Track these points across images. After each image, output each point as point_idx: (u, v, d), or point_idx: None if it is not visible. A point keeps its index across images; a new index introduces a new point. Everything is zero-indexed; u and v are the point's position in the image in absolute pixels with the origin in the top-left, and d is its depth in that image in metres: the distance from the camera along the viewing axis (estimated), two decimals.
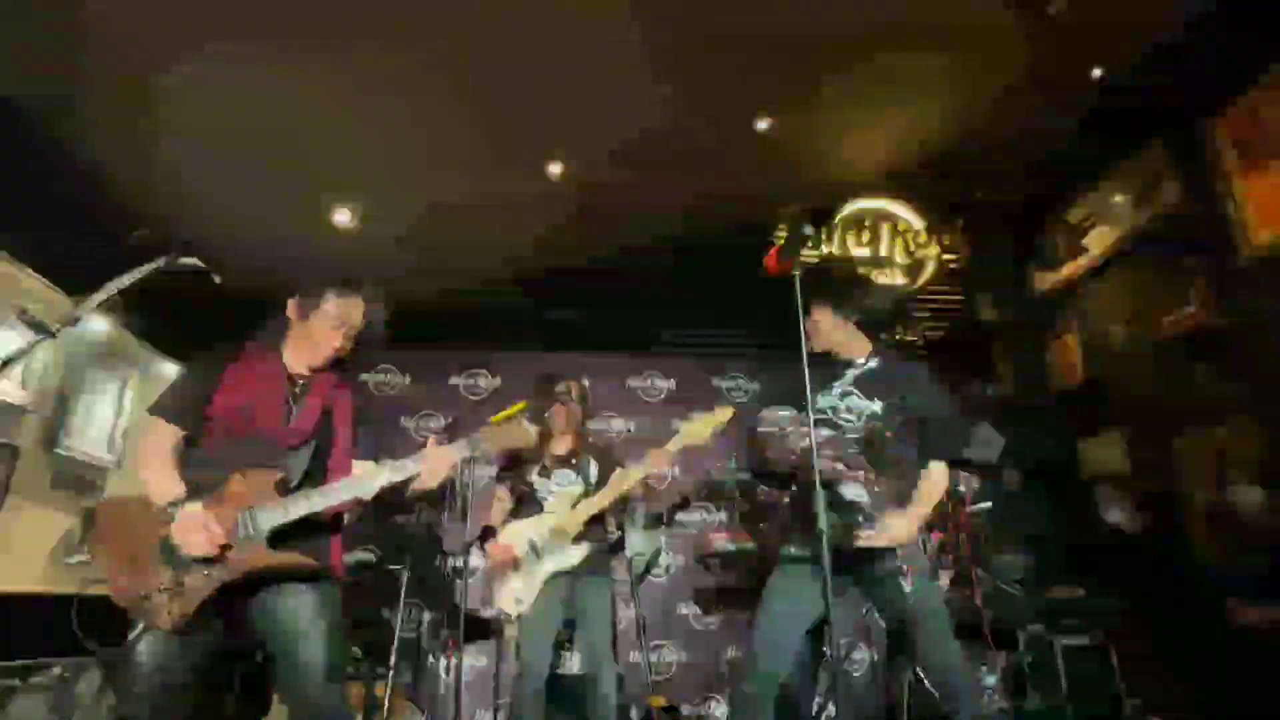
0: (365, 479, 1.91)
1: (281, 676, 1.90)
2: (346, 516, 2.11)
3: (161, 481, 1.88)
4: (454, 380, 5.53)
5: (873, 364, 2.51)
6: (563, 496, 3.16)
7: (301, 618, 1.87)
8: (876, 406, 2.41)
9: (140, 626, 1.82)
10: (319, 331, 2.10)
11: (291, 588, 1.89)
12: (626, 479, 3.08)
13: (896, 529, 2.23)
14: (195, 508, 1.81)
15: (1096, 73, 4.32)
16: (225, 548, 1.81)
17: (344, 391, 2.12)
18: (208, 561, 1.80)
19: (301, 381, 2.10)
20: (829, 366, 2.50)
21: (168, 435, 1.97)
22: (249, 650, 2.05)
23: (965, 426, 2.70)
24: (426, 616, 3.95)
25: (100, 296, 1.74)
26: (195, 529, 1.78)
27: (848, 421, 2.41)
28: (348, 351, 2.15)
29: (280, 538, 1.86)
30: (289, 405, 2.02)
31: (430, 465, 1.92)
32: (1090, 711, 3.23)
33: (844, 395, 2.46)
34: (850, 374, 2.49)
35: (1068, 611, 3.62)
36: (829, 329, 2.50)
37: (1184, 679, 3.27)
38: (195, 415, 1.97)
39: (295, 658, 1.85)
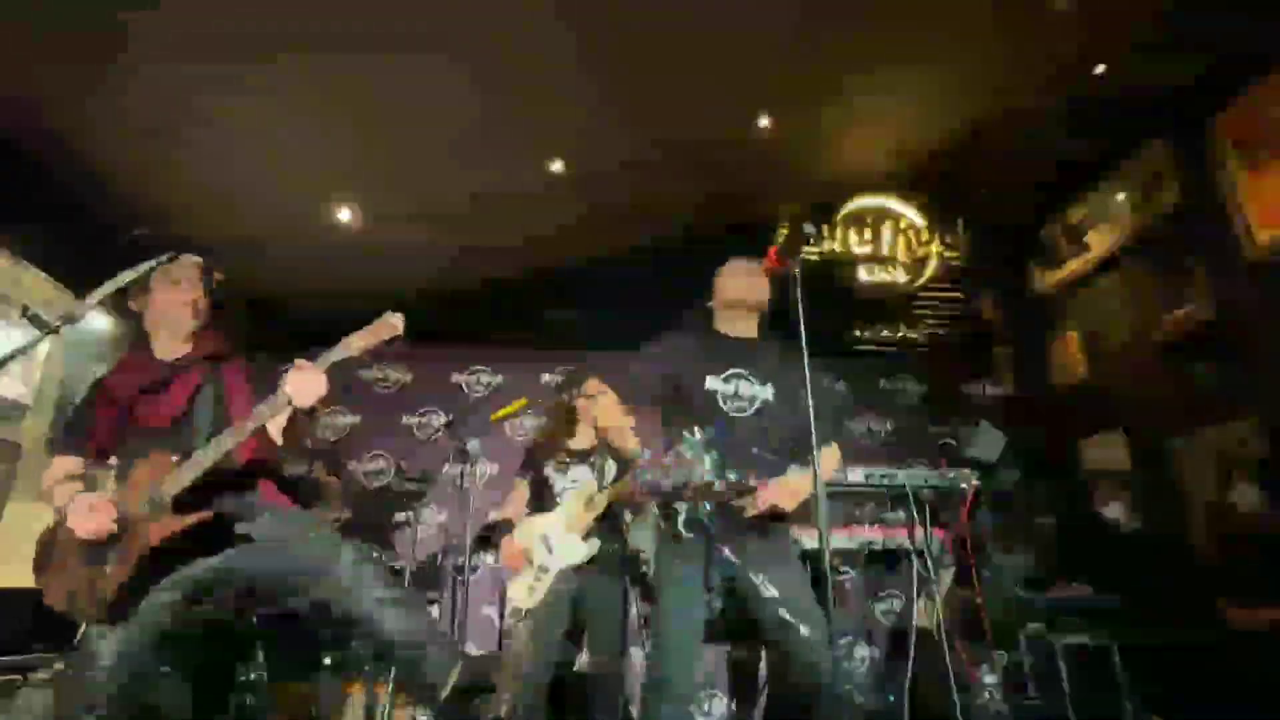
0: (242, 425, 1.87)
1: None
2: (270, 466, 2.09)
3: (59, 494, 1.95)
4: (455, 378, 5.52)
5: (760, 344, 2.31)
6: (577, 492, 3.16)
7: (302, 551, 1.91)
8: (769, 393, 2.23)
9: (82, 627, 1.87)
10: (159, 301, 2.09)
11: (261, 542, 1.91)
12: (628, 479, 3.07)
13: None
14: (84, 496, 1.88)
15: (1099, 69, 4.31)
16: (129, 525, 1.83)
17: (232, 366, 2.11)
18: (115, 543, 1.82)
19: (178, 364, 2.10)
20: (717, 343, 2.31)
21: (62, 464, 2.04)
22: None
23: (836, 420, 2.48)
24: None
25: (101, 293, 1.75)
26: (84, 513, 1.83)
27: (738, 410, 2.20)
28: (197, 313, 2.11)
29: (198, 505, 1.86)
30: (158, 390, 2.04)
31: (295, 386, 1.82)
32: (1091, 712, 3.22)
33: (730, 378, 2.23)
34: (740, 353, 2.27)
35: (1068, 611, 3.62)
36: (739, 283, 2.31)
37: (1186, 679, 3.26)
38: (80, 437, 2.05)
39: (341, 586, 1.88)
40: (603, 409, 2.27)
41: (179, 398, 2.02)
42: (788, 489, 2.07)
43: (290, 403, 1.81)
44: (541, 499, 3.23)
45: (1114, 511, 4.42)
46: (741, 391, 2.22)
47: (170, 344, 2.12)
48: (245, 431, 1.84)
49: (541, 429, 3.56)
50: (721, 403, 2.19)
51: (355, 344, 1.85)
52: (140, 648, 1.80)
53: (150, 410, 2.02)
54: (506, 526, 3.25)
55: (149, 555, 1.80)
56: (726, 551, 2.05)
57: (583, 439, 3.31)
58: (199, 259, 2.15)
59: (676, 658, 2.01)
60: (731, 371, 2.24)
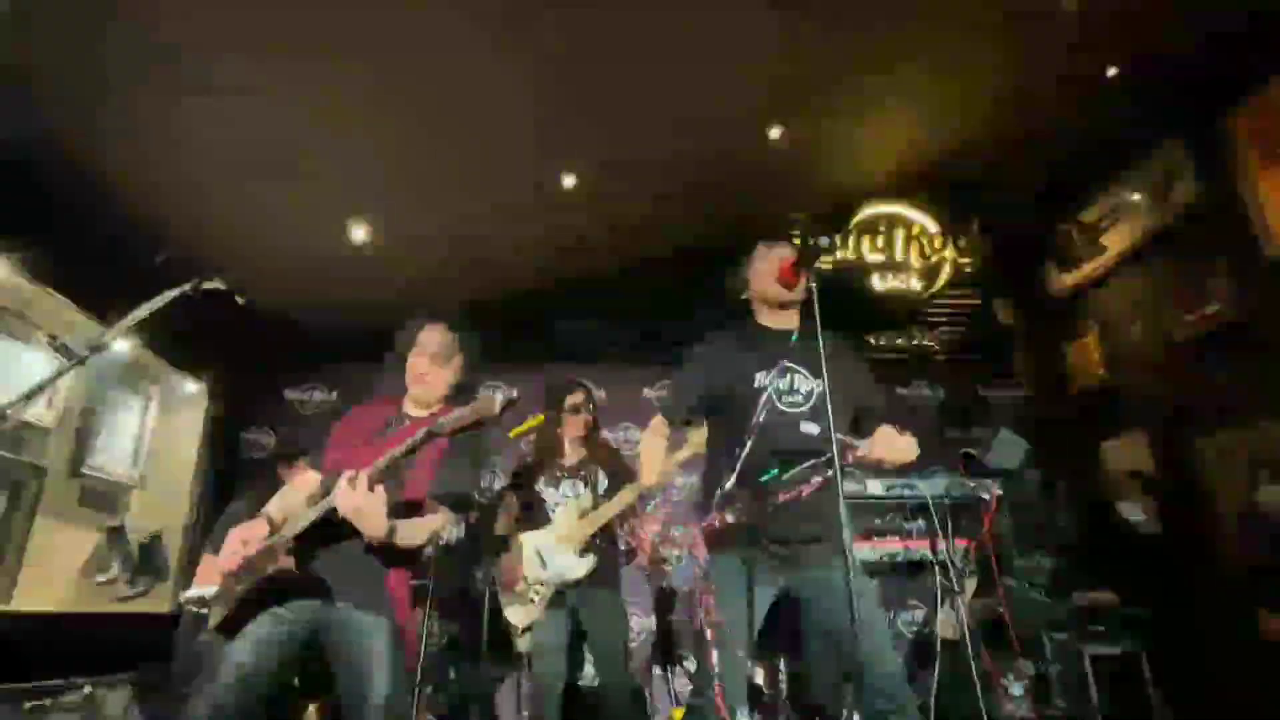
0: (324, 504, 1.88)
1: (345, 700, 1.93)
2: (425, 551, 2.10)
3: (267, 507, 2.09)
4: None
5: (805, 335, 2.18)
6: (570, 507, 3.14)
7: (359, 649, 1.91)
8: (821, 386, 2.04)
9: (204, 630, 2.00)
10: (409, 363, 2.18)
11: (354, 618, 1.92)
12: (631, 492, 3.08)
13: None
14: (237, 529, 1.96)
15: (1112, 70, 4.29)
16: (254, 557, 1.91)
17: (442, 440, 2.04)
18: (254, 565, 1.91)
19: (408, 420, 2.15)
20: (765, 335, 2.23)
21: (306, 480, 2.13)
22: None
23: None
24: (450, 628, 3.95)
25: (129, 322, 1.77)
26: (232, 540, 1.93)
27: (792, 405, 2.12)
28: (444, 381, 2.19)
29: (318, 553, 1.91)
30: (379, 437, 2.07)
31: (342, 503, 1.81)
32: None
33: (785, 372, 2.14)
34: (789, 347, 2.16)
35: (1095, 618, 3.57)
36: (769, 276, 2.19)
37: (1217, 688, 3.20)
38: (320, 455, 2.13)
39: (352, 696, 1.90)
40: (646, 443, 2.27)
41: (376, 453, 1.98)
42: (892, 444, 1.99)
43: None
44: (534, 514, 3.22)
45: (1135, 515, 4.35)
46: (797, 385, 2.14)
47: (411, 401, 2.21)
48: (327, 505, 1.85)
49: (533, 444, 3.55)
50: (776, 400, 2.10)
51: (447, 426, 1.79)
52: (253, 668, 1.85)
53: (348, 455, 2.02)
54: (502, 544, 3.24)
55: (263, 583, 1.88)
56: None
57: (573, 454, 3.30)
58: (443, 322, 2.24)
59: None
60: (782, 365, 2.14)
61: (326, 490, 1.90)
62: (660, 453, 2.29)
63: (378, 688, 1.87)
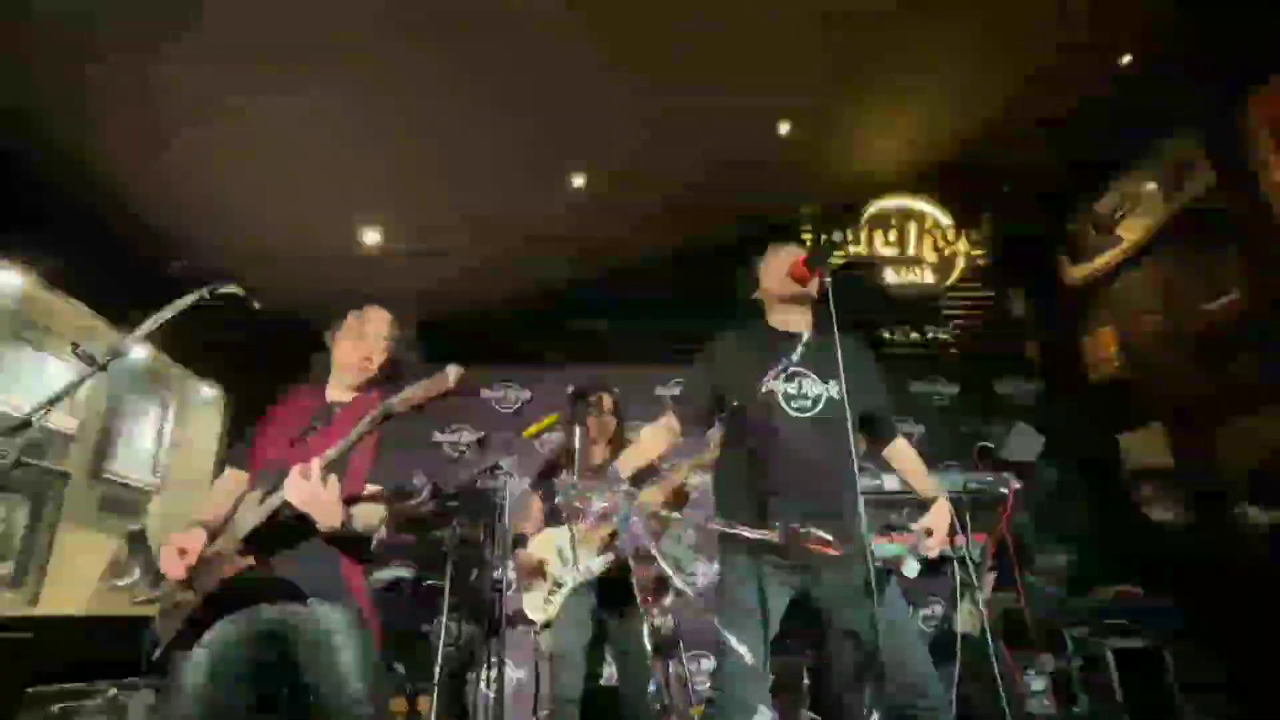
0: (273, 501, 1.84)
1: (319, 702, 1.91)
2: (373, 541, 2.08)
3: (197, 511, 2.03)
4: (484, 393, 5.55)
5: (816, 338, 2.18)
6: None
7: (326, 644, 1.89)
8: (833, 391, 2.08)
9: (163, 645, 1.90)
10: (342, 348, 2.17)
11: (317, 613, 1.91)
12: (650, 493, 3.07)
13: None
14: (177, 536, 1.89)
15: (1126, 59, 4.24)
16: (196, 567, 1.86)
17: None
18: (202, 571, 1.87)
19: (338, 409, 2.12)
20: (772, 340, 2.19)
21: (228, 478, 2.11)
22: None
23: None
24: (466, 629, 3.96)
25: (146, 328, 1.78)
26: (169, 551, 1.87)
27: (800, 410, 2.09)
28: (378, 365, 2.17)
29: (274, 550, 1.87)
30: (309, 431, 2.05)
31: (291, 489, 1.77)
32: (1145, 718, 3.14)
33: (791, 377, 2.11)
34: (799, 350, 2.14)
35: (1117, 614, 3.53)
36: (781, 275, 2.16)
37: (1243, 684, 3.16)
38: (243, 455, 2.10)
39: (327, 687, 1.87)
40: (646, 434, 2.23)
41: (316, 445, 1.95)
42: (943, 518, 2.05)
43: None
44: (556, 512, 3.22)
45: (1158, 509, 4.29)
46: (806, 390, 2.11)
47: (340, 388, 2.19)
48: (271, 505, 1.81)
49: (558, 443, 3.55)
50: (784, 403, 2.08)
51: (403, 400, 1.77)
52: (216, 674, 1.83)
53: (284, 448, 2.02)
54: (521, 540, 3.25)
55: (218, 590, 1.85)
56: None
57: (597, 454, 3.31)
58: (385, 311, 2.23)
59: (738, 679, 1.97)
60: (792, 370, 2.12)
61: (270, 488, 1.85)
62: (654, 449, 2.24)
63: (350, 680, 1.86)
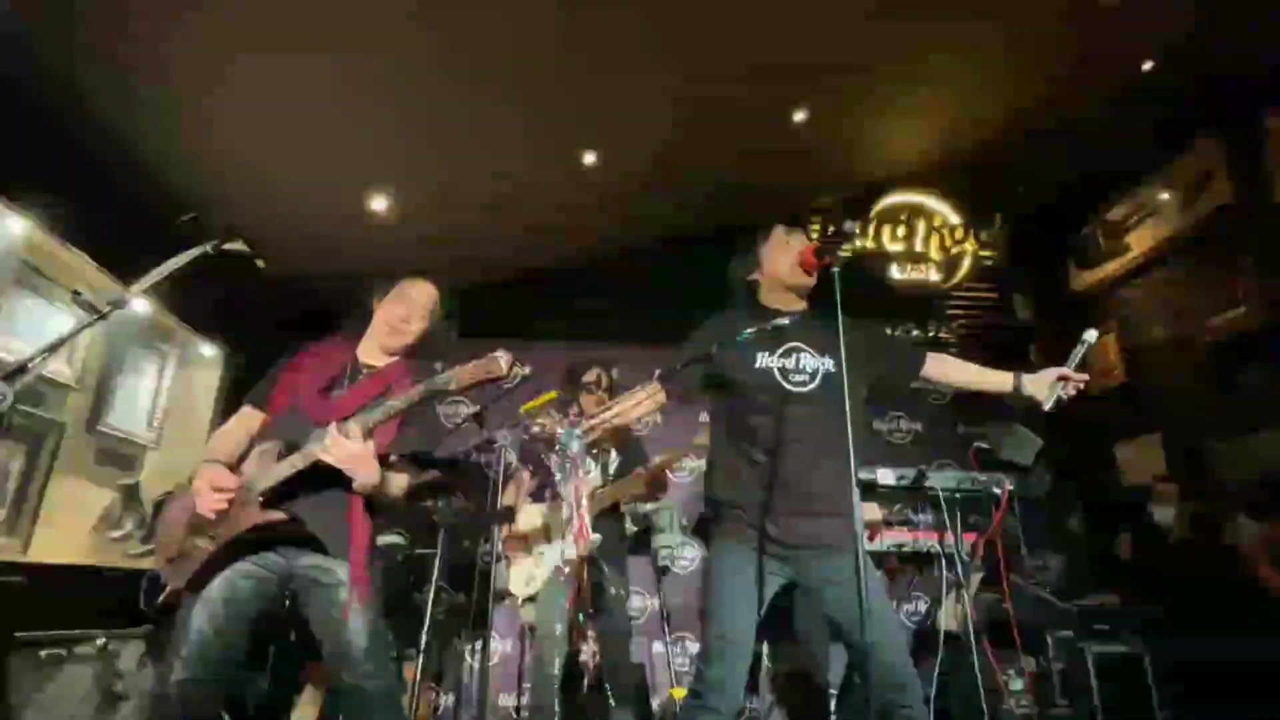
0: (308, 454, 1.88)
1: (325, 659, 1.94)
2: (374, 502, 2.08)
3: (212, 449, 2.04)
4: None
5: (812, 313, 2.19)
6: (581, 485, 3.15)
7: (334, 598, 1.92)
8: (830, 365, 2.07)
9: (168, 589, 1.93)
10: (386, 307, 2.21)
11: (327, 566, 1.93)
12: (640, 477, 3.09)
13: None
14: (210, 469, 1.92)
15: (1148, 64, 4.20)
16: (228, 509, 1.89)
17: (408, 384, 2.03)
18: (215, 522, 1.90)
19: (367, 370, 2.16)
20: (771, 316, 2.14)
21: (246, 415, 2.13)
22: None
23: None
24: (454, 599, 3.99)
25: (149, 279, 1.78)
26: (204, 489, 1.89)
27: (799, 385, 2.06)
28: (416, 334, 2.21)
29: (285, 501, 1.90)
30: (338, 387, 2.09)
31: (333, 449, 1.83)
32: None
33: (788, 353, 2.10)
34: (790, 324, 2.11)
35: (1100, 618, 3.55)
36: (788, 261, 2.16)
37: (1221, 692, 3.18)
38: (265, 397, 2.12)
39: (334, 639, 1.90)
40: (628, 399, 2.22)
41: (347, 402, 2.04)
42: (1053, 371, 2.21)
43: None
44: (546, 489, 3.24)
45: (1162, 513, 4.28)
46: (803, 364, 2.09)
47: (373, 351, 2.22)
48: (312, 456, 1.85)
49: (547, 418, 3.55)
50: (780, 378, 2.07)
51: (454, 379, 1.83)
52: (224, 619, 1.86)
53: (311, 399, 2.05)
54: (507, 514, 3.26)
55: (236, 539, 1.88)
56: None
57: (589, 432, 3.30)
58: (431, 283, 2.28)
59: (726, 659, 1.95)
60: (788, 345, 2.11)
61: (291, 443, 1.90)
62: (632, 413, 2.25)
63: (355, 636, 1.89)
